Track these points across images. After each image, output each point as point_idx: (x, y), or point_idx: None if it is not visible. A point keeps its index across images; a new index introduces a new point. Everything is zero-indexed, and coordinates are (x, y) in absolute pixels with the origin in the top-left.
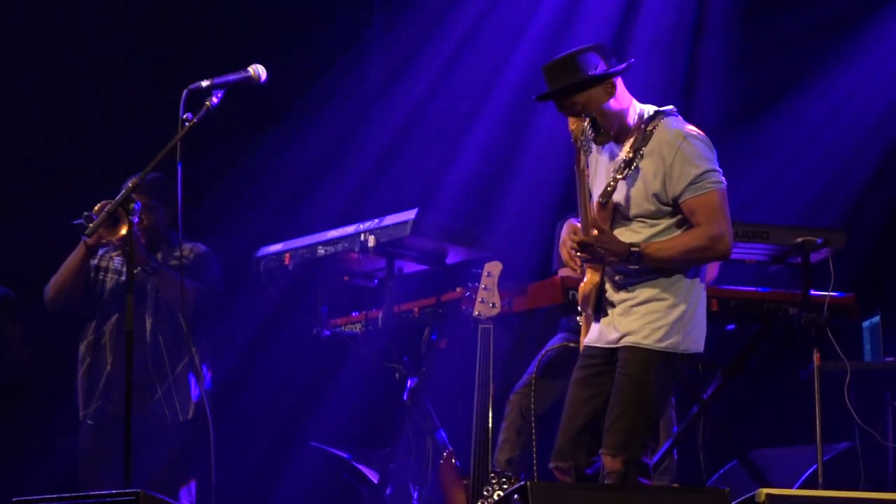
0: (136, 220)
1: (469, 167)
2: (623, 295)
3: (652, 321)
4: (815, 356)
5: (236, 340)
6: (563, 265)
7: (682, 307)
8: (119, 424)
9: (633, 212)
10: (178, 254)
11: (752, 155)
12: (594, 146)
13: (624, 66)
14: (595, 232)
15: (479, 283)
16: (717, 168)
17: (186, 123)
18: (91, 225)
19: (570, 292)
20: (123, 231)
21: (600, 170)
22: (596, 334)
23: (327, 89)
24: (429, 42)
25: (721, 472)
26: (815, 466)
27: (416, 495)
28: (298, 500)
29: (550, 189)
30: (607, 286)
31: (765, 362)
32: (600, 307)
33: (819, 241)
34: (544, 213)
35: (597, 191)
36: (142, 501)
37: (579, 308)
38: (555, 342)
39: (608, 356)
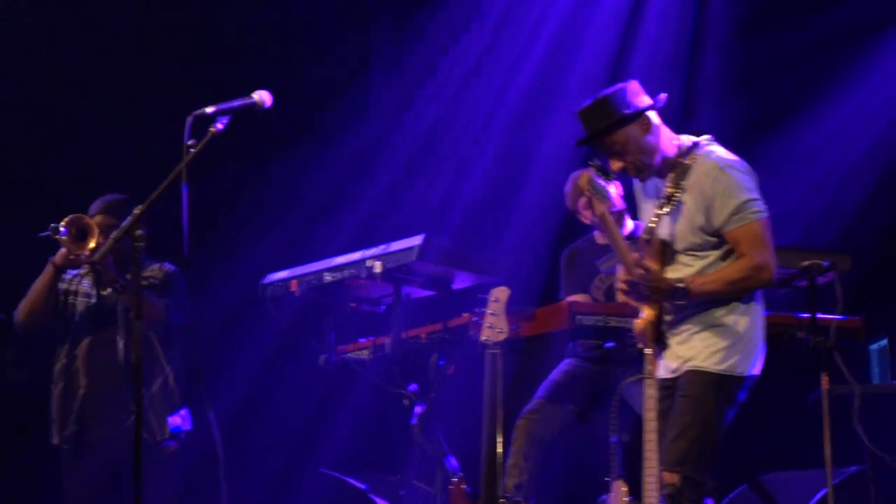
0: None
1: (475, 193)
2: (683, 326)
3: (710, 345)
4: (823, 379)
5: (244, 368)
6: (570, 293)
7: (739, 331)
8: (96, 449)
9: (680, 246)
10: (147, 274)
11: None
12: (638, 183)
13: (656, 101)
14: (640, 271)
15: (486, 308)
16: (758, 196)
17: (191, 150)
18: (101, 249)
19: (577, 317)
20: (91, 245)
21: (647, 206)
22: (662, 367)
23: (333, 118)
24: (434, 70)
25: (730, 496)
26: (825, 490)
27: None
28: None
29: (553, 214)
30: (667, 318)
31: (773, 386)
32: (661, 341)
33: (825, 263)
34: (548, 238)
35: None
36: None
37: (637, 343)
38: (562, 367)
39: (675, 386)
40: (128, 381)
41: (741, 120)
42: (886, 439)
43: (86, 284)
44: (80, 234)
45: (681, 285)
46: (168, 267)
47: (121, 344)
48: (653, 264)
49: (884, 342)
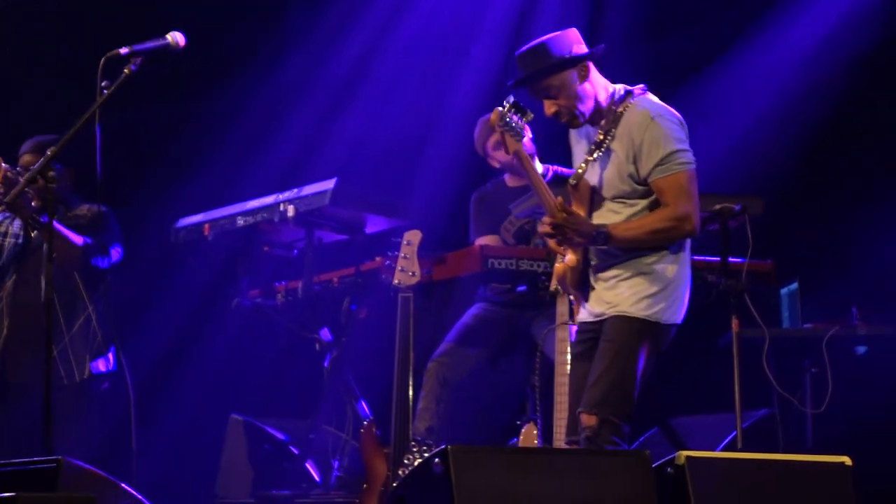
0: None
1: (388, 138)
2: (611, 272)
3: (637, 292)
4: (734, 323)
5: (156, 312)
6: (480, 235)
7: (667, 280)
8: (19, 392)
9: (608, 193)
10: (73, 214)
11: None
12: (573, 131)
13: (597, 49)
14: (563, 214)
15: (398, 251)
16: (687, 148)
17: (105, 91)
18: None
19: (489, 261)
20: None
21: (578, 153)
22: (585, 311)
23: (249, 63)
24: (353, 13)
25: (641, 439)
26: (734, 433)
27: (336, 465)
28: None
29: (466, 159)
30: (594, 264)
31: (683, 329)
32: (586, 285)
33: (737, 207)
34: (461, 182)
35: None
36: (63, 468)
37: (554, 288)
38: (472, 311)
39: (598, 329)
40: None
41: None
42: (795, 383)
43: (16, 226)
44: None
45: (603, 230)
46: (97, 207)
47: (43, 282)
48: (578, 209)
49: (794, 286)
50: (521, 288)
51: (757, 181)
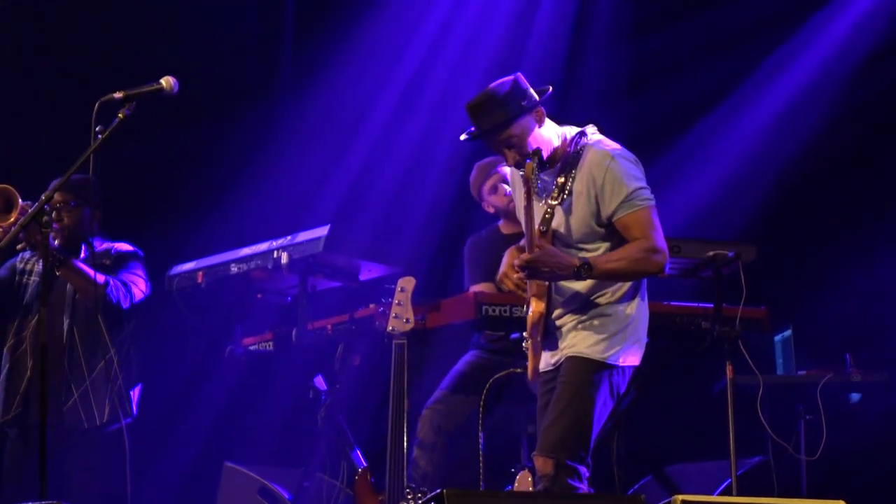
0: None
1: (382, 184)
2: (568, 318)
3: (593, 334)
4: (728, 369)
5: (151, 360)
6: (475, 282)
7: (623, 322)
8: (36, 433)
9: (575, 236)
10: (99, 253)
11: (660, 170)
12: (515, 174)
13: (547, 92)
14: (538, 250)
15: (392, 298)
16: (646, 185)
17: (99, 136)
18: (11, 232)
19: (484, 308)
20: (12, 219)
21: (520, 197)
22: (547, 358)
23: (240, 106)
24: (338, 57)
25: (636, 486)
26: (728, 480)
27: None
28: None
29: (459, 205)
30: (555, 311)
31: (678, 376)
32: (548, 333)
33: (730, 254)
34: (455, 229)
35: (536, 219)
36: None
37: (527, 335)
38: (467, 358)
39: (556, 376)
40: (69, 363)
41: (641, 118)
42: (789, 430)
43: (41, 265)
44: (7, 206)
45: (585, 260)
46: (124, 247)
47: (66, 323)
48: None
49: (788, 333)
50: (515, 335)
51: (750, 228)
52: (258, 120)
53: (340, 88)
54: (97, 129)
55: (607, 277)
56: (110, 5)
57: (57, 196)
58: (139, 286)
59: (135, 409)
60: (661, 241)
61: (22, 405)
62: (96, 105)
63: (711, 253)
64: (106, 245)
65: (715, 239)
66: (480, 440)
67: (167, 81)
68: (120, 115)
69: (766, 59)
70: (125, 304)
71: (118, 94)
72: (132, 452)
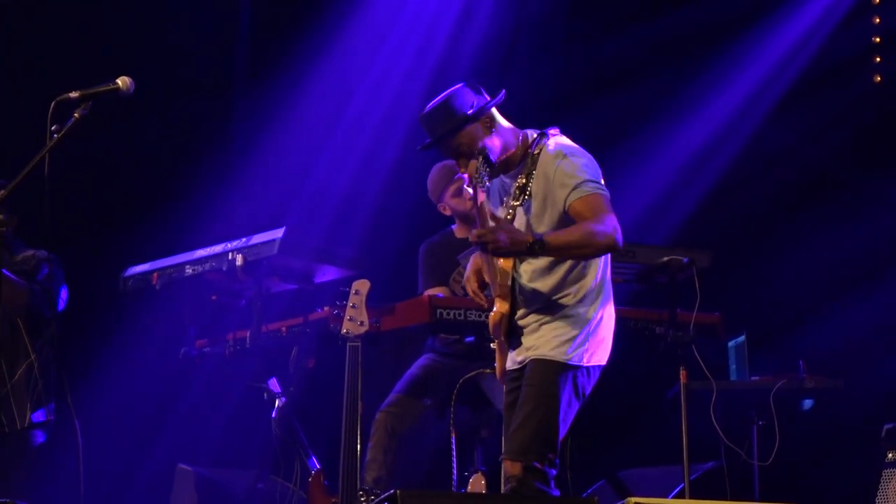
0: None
1: (337, 188)
2: (532, 318)
3: (557, 335)
4: (682, 375)
5: (103, 361)
6: (429, 286)
7: (586, 322)
8: None
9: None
10: (18, 259)
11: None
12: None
13: (497, 98)
14: (492, 223)
15: (346, 301)
16: (599, 180)
17: (55, 135)
18: None
19: (438, 311)
20: None
21: (494, 202)
22: (513, 357)
23: (199, 106)
24: (294, 57)
25: (588, 491)
26: (682, 485)
27: None
28: None
29: (414, 209)
30: (518, 312)
31: (631, 381)
32: (512, 333)
33: (685, 260)
34: (410, 232)
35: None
36: None
37: (491, 335)
38: (421, 361)
39: (522, 376)
40: None
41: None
42: (742, 435)
43: None
44: None
45: (538, 235)
46: (41, 253)
47: None
48: (507, 259)
49: (741, 339)
50: (470, 339)
51: (705, 235)
52: (214, 123)
53: (297, 91)
54: (52, 128)
55: (562, 252)
56: (67, 3)
57: None
58: (60, 293)
59: (53, 414)
60: (613, 220)
61: None
62: (52, 104)
63: (666, 258)
64: (26, 251)
65: (670, 245)
66: (452, 442)
67: (123, 81)
68: (76, 114)
69: (716, 64)
70: (47, 312)
71: (74, 94)
72: (62, 455)
